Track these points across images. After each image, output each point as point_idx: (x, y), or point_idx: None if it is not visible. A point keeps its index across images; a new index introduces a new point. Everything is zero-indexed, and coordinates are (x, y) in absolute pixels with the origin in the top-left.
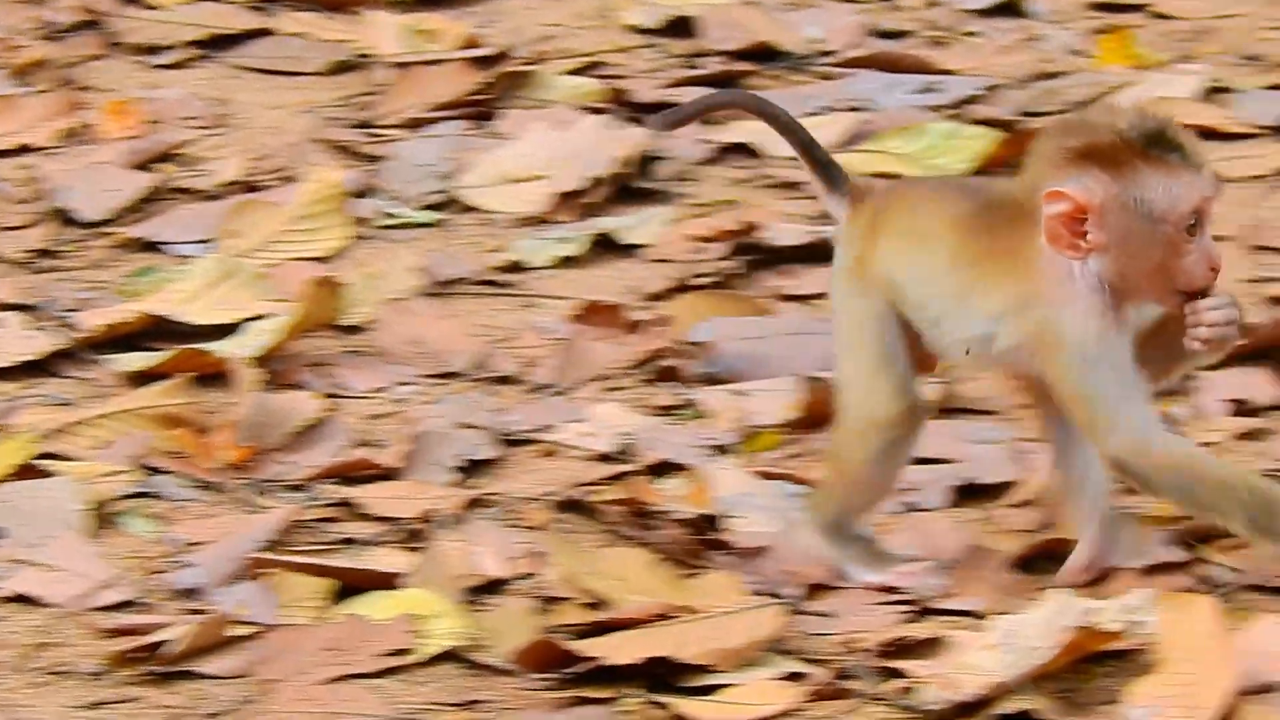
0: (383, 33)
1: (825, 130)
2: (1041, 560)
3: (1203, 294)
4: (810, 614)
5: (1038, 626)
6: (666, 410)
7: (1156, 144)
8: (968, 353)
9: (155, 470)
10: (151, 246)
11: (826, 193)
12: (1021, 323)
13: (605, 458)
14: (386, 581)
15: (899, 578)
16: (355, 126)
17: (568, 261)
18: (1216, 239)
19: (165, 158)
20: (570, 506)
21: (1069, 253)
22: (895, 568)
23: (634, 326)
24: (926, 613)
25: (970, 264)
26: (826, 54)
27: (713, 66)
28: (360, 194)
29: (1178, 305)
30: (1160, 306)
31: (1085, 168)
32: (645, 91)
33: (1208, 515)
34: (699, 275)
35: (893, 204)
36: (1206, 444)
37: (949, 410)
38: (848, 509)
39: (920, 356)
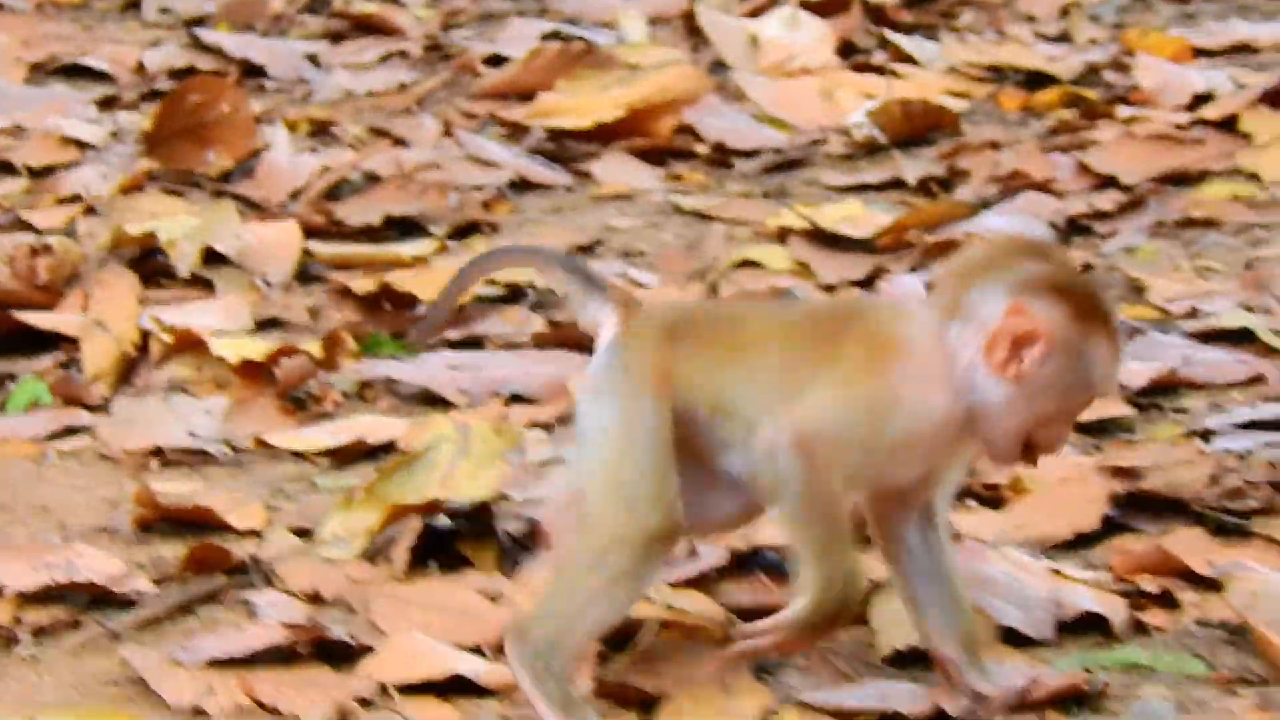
0: None
1: None
2: None
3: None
4: None
5: None
6: None
7: (1113, 315)
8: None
9: None
10: None
11: (589, 300)
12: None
13: None
14: None
15: None
16: None
17: None
18: None
19: None
20: None
21: (997, 369)
22: None
23: None
24: None
25: (810, 364)
26: None
27: None
28: None
29: (1012, 461)
30: (991, 458)
31: (1055, 301)
32: None
33: (806, 553)
34: None
35: (699, 318)
36: None
37: None
38: (562, 639)
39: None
